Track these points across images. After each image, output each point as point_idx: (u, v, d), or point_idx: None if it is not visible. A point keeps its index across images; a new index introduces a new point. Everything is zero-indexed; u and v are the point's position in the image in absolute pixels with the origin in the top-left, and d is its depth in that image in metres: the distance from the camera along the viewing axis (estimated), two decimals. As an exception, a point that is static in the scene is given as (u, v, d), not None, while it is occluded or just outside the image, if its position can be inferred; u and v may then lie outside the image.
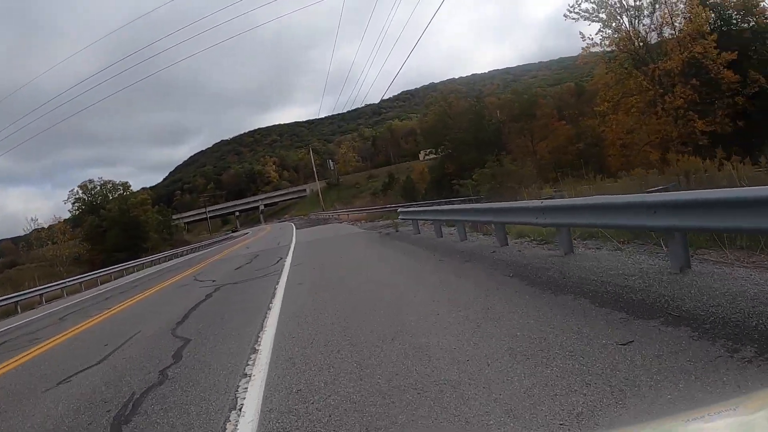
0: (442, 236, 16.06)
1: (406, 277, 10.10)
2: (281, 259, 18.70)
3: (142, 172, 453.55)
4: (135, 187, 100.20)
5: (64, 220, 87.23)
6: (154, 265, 43.48)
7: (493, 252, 10.80)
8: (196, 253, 49.19)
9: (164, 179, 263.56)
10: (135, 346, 8.22)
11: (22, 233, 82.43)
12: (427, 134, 79.32)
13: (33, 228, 78.34)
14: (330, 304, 8.40)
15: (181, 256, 50.75)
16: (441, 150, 71.05)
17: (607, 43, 45.12)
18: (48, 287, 28.55)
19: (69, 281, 30.94)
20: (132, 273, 37.62)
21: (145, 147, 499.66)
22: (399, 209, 21.83)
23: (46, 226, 77.42)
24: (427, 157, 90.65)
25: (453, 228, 15.59)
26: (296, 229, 48.58)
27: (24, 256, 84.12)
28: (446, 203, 27.58)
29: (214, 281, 16.12)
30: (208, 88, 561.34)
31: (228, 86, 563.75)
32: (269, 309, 8.94)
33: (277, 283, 12.07)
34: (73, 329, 11.95)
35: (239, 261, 22.26)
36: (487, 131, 64.83)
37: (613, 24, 44.16)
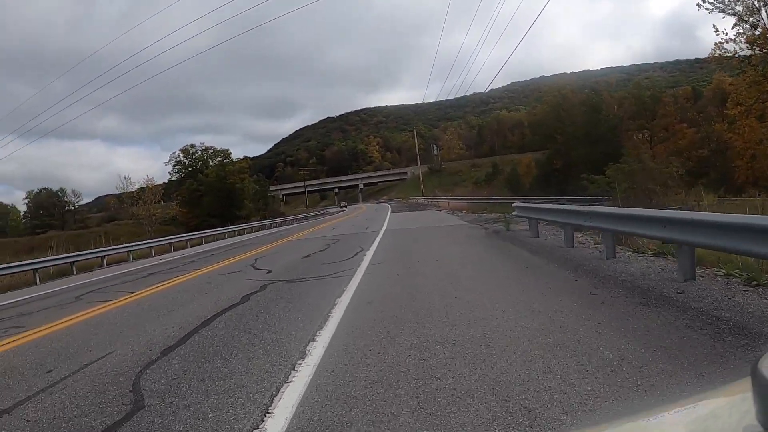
0: (573, 245, 11.50)
1: (545, 321, 5.65)
2: (362, 250, 14.93)
3: (248, 141, 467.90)
4: (239, 155, 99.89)
5: (164, 183, 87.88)
6: (238, 235, 40.67)
7: (681, 293, 6.33)
8: (282, 228, 46.10)
9: (268, 151, 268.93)
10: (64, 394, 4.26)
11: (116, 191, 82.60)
12: (537, 126, 73.82)
13: (124, 187, 78.30)
14: (409, 368, 4.37)
15: (266, 229, 47.84)
16: (549, 144, 65.51)
17: (743, 40, 38.53)
18: (109, 250, 26.49)
19: (136, 245, 29.10)
20: (210, 242, 34.84)
21: (253, 118, 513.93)
22: (515, 204, 17.25)
23: (136, 186, 77.09)
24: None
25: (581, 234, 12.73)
26: (391, 212, 44.71)
27: (123, 212, 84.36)
28: (568, 202, 22.67)
29: (269, 272, 12.51)
30: (319, 65, 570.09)
31: (338, 64, 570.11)
32: (304, 356, 5.07)
33: (340, 295, 8.15)
34: (53, 325, 8.35)
35: (314, 246, 18.59)
36: (602, 127, 59.14)
37: (750, 19, 37.69)
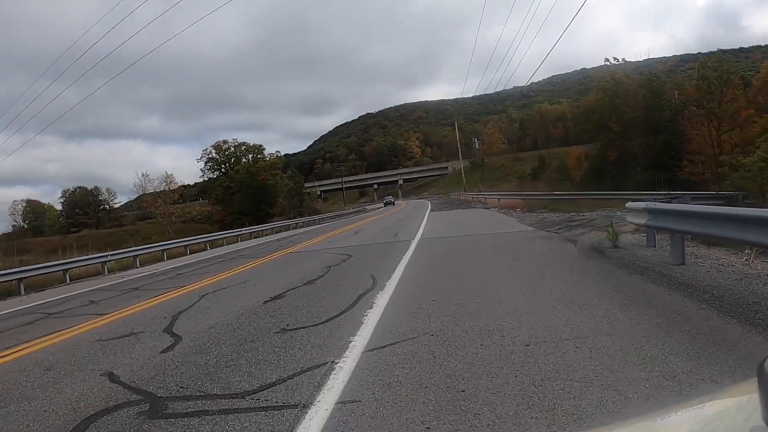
0: None
1: None
2: (373, 288, 8.48)
3: (288, 139, 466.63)
4: (279, 152, 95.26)
5: (203, 179, 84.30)
6: (254, 238, 34.69)
7: None
8: (307, 228, 39.76)
9: (308, 147, 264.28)
10: None
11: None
12: (587, 115, 65.94)
13: (143, 185, 73.74)
14: None
15: (289, 230, 41.62)
16: (601, 135, 58.10)
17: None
18: (102, 256, 22.96)
19: (137, 250, 25.12)
20: (219, 246, 29.03)
21: (293, 116, 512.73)
22: (632, 204, 10.25)
23: (153, 185, 72.27)
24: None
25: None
26: (430, 210, 37.88)
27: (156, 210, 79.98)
28: (692, 199, 15.62)
29: (170, 348, 5.99)
30: (357, 63, 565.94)
31: (376, 61, 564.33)
32: None
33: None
34: None
35: (308, 268, 12.17)
36: (665, 114, 51.49)
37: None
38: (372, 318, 6.35)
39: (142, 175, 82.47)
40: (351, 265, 11.83)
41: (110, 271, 21.98)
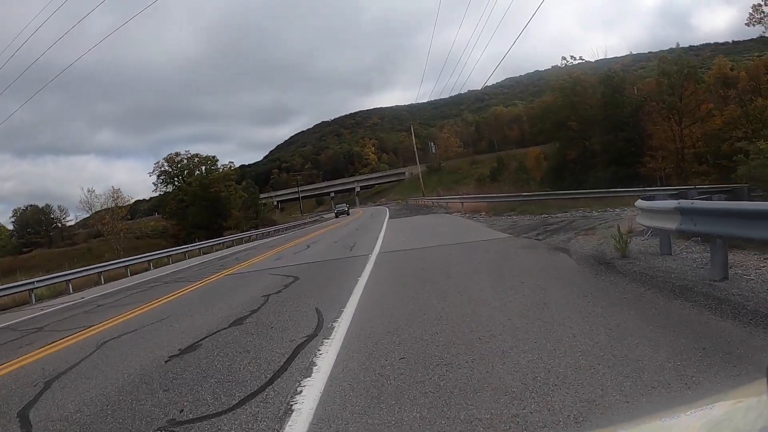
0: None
1: None
2: (309, 339, 6.00)
3: (245, 150, 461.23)
4: (235, 163, 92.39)
5: (160, 193, 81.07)
6: (202, 254, 31.95)
7: None
8: (257, 243, 36.99)
9: (264, 158, 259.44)
10: None
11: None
12: (545, 115, 64.52)
13: (89, 201, 69.92)
14: None
15: (238, 244, 38.85)
16: (560, 134, 56.96)
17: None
18: (28, 283, 20.35)
19: (69, 275, 22.27)
20: (162, 266, 26.30)
21: (249, 126, 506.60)
22: (643, 203, 8.12)
23: (100, 201, 68.52)
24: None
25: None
26: (389, 218, 35.53)
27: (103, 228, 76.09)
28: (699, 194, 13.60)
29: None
30: (313, 70, 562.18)
31: (332, 69, 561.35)
32: None
33: None
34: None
35: (235, 302, 9.73)
36: (625, 110, 50.46)
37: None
38: (308, 398, 4.00)
39: (88, 191, 78.13)
40: (295, 292, 9.40)
41: (39, 299, 19.54)
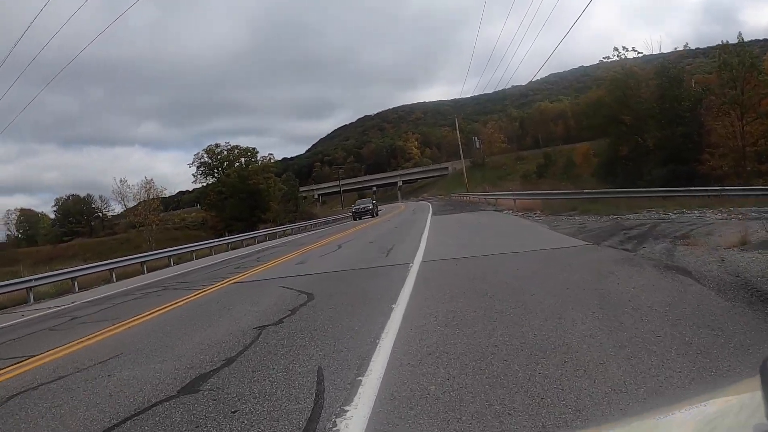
0: None
1: None
2: None
3: (287, 143, 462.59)
4: (278, 156, 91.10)
5: (203, 185, 79.17)
6: (231, 249, 29.47)
7: None
8: (290, 238, 34.28)
9: (306, 151, 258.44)
10: None
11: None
12: (594, 109, 60.30)
13: (122, 192, 68.70)
14: None
15: (271, 239, 36.36)
16: (610, 129, 52.80)
17: None
18: (26, 281, 18.23)
19: (73, 272, 20.01)
20: (180, 263, 24.13)
21: (291, 119, 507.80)
22: None
23: (133, 192, 67.05)
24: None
25: None
26: (432, 214, 32.39)
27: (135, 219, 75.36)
28: None
29: None
30: (355, 65, 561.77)
31: (374, 63, 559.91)
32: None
33: None
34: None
35: (214, 338, 6.86)
36: (685, 103, 46.13)
37: None
38: None
39: (120, 181, 76.38)
40: (299, 326, 6.42)
41: (41, 298, 17.64)
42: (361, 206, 50.94)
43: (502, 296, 6.63)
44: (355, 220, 45.87)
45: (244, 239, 34.48)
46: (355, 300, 7.65)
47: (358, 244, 18.20)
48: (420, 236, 16.83)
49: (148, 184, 66.48)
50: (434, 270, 9.57)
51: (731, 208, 16.73)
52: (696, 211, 16.70)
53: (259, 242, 34.22)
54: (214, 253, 28.36)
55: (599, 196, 21.31)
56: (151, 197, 65.23)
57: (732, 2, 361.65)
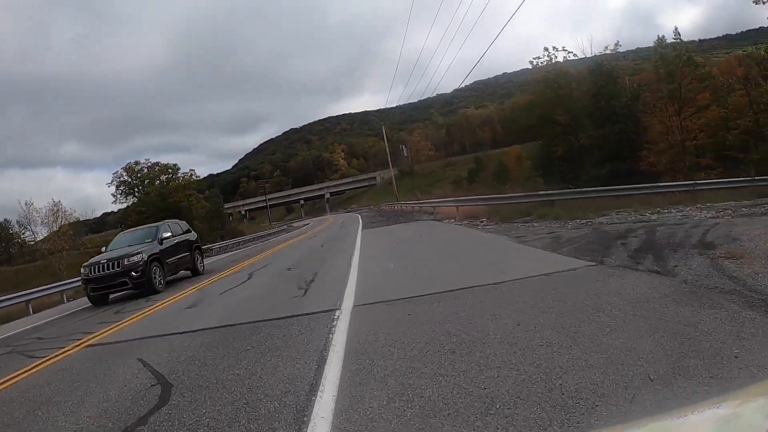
0: None
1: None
2: None
3: (214, 159, 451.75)
4: (204, 173, 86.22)
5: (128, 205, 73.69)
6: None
7: None
8: (206, 261, 30.06)
9: (233, 167, 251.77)
10: None
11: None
12: (526, 111, 58.52)
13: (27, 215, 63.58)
14: None
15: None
16: (543, 130, 51.42)
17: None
18: None
19: None
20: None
21: (217, 135, 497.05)
22: None
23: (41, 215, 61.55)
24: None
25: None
26: (363, 228, 28.77)
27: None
28: None
29: None
30: (281, 78, 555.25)
31: (300, 75, 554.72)
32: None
33: None
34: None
35: None
36: (622, 100, 44.98)
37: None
38: None
39: (26, 204, 68.63)
40: None
41: None
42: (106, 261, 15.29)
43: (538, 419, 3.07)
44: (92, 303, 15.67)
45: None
46: (228, 410, 3.93)
47: (273, 271, 14.38)
48: (350, 258, 13.11)
49: (56, 206, 60.15)
50: (375, 326, 5.86)
51: (708, 204, 14.57)
52: (673, 210, 14.10)
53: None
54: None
55: (557, 198, 18.29)
56: (59, 220, 58.81)
57: (650, 7, 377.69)
